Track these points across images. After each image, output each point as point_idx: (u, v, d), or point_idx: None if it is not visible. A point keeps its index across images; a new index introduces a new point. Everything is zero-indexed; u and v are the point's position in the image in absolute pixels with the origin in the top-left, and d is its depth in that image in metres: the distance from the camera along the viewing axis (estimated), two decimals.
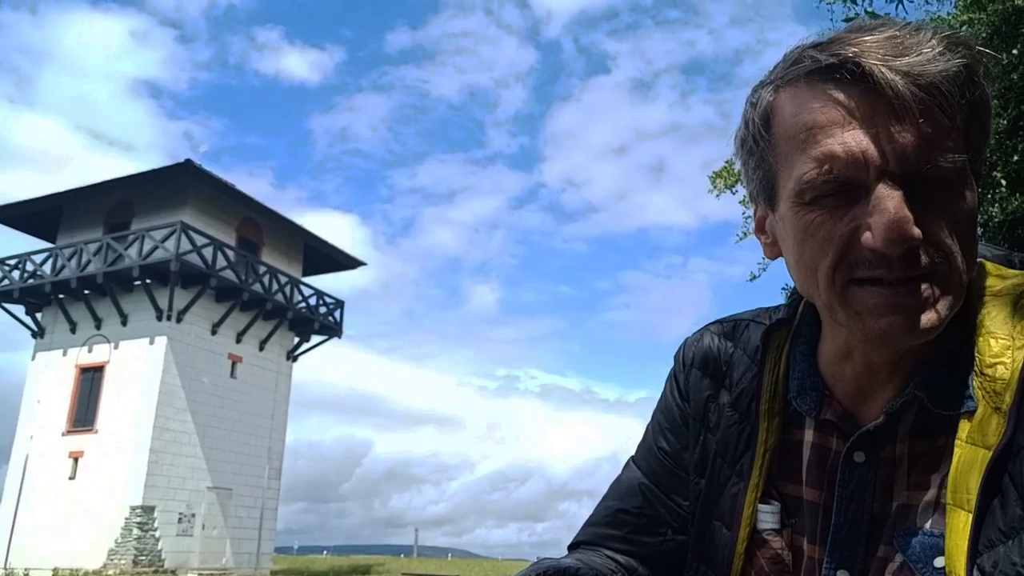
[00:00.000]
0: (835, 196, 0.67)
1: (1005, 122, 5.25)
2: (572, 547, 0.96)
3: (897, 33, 0.66)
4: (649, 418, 0.99)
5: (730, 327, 0.93)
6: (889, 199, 0.64)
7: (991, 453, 0.64)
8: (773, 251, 0.79)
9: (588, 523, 0.97)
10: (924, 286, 0.66)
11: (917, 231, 0.64)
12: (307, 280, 29.96)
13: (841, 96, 0.66)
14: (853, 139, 0.65)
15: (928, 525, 0.69)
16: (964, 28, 6.17)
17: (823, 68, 0.67)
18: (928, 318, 0.66)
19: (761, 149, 0.73)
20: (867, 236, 0.65)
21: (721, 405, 0.89)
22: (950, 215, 0.66)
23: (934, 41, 0.65)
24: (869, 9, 6.71)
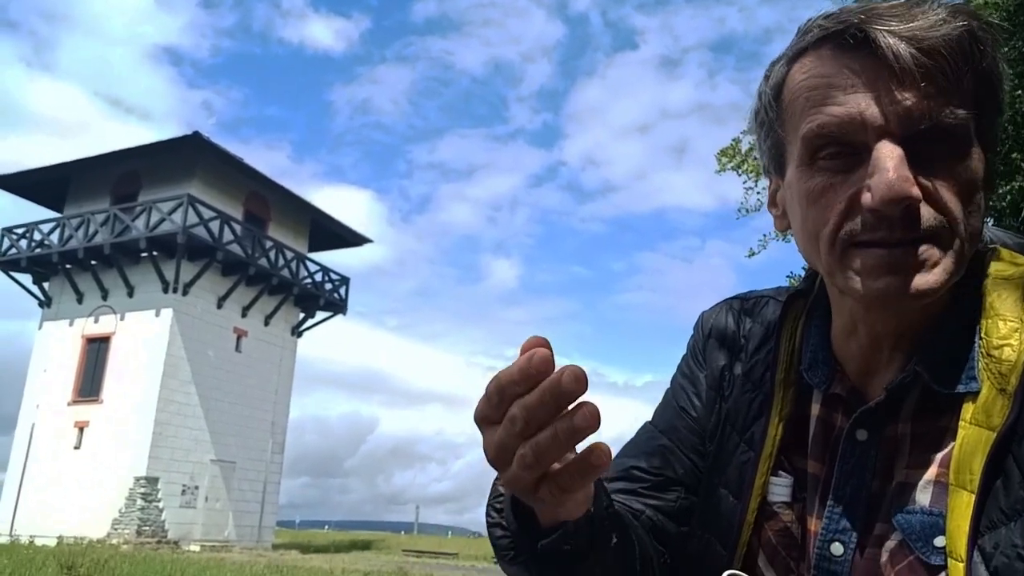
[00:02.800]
0: (838, 159, 0.68)
1: (1021, 109, 5.17)
2: None
3: (903, 3, 0.67)
4: (659, 397, 1.00)
5: (750, 303, 0.94)
6: (888, 158, 0.64)
7: (995, 435, 0.64)
8: (783, 223, 0.80)
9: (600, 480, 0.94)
10: (923, 247, 0.66)
11: (916, 190, 0.64)
12: (315, 256, 30.10)
13: (845, 60, 0.67)
14: (854, 101, 0.66)
15: (928, 504, 0.68)
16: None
17: (829, 35, 0.69)
18: (926, 279, 0.66)
19: (771, 119, 0.75)
20: (867, 197, 0.65)
21: (735, 376, 0.90)
22: (952, 177, 0.66)
23: (939, 10, 0.66)
24: None
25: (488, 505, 0.75)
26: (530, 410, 0.51)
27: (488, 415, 0.54)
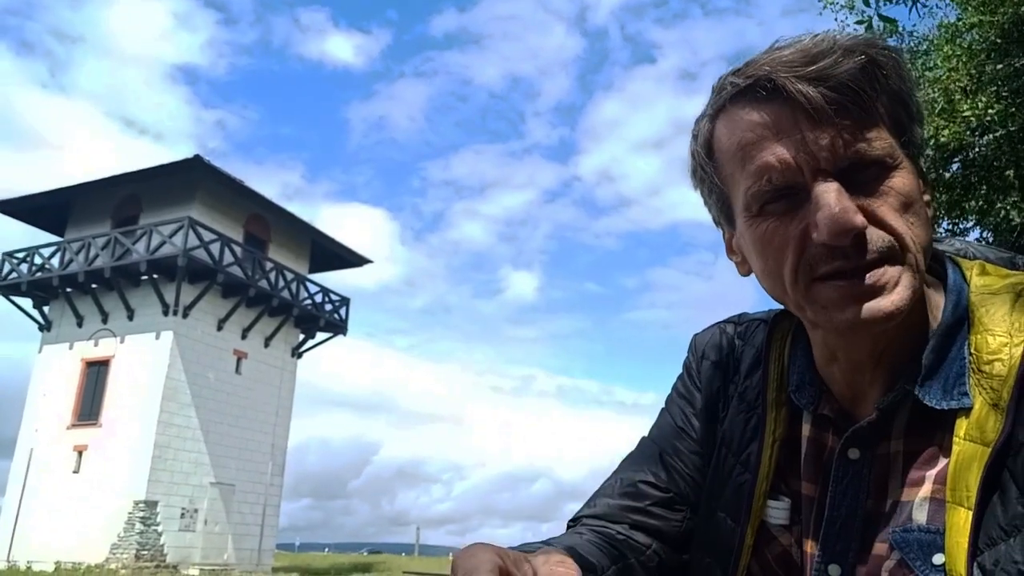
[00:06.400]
0: (781, 202, 0.71)
1: (1015, 126, 5.21)
2: (574, 521, 0.92)
3: (806, 45, 0.70)
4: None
5: (743, 327, 0.95)
6: (827, 193, 0.67)
7: (990, 450, 0.64)
8: (744, 268, 0.81)
9: (600, 494, 0.93)
10: (880, 270, 0.67)
11: (860, 218, 0.67)
12: (317, 277, 30.10)
13: (764, 112, 0.70)
14: (783, 148, 0.69)
15: (925, 521, 0.68)
16: (973, 31, 6.14)
17: (742, 91, 0.72)
18: (891, 300, 0.67)
19: (710, 176, 0.78)
20: (815, 233, 0.68)
21: (729, 397, 0.90)
22: (890, 195, 0.69)
23: (837, 47, 0.68)
24: (881, 14, 6.70)
25: None
26: None
27: None
